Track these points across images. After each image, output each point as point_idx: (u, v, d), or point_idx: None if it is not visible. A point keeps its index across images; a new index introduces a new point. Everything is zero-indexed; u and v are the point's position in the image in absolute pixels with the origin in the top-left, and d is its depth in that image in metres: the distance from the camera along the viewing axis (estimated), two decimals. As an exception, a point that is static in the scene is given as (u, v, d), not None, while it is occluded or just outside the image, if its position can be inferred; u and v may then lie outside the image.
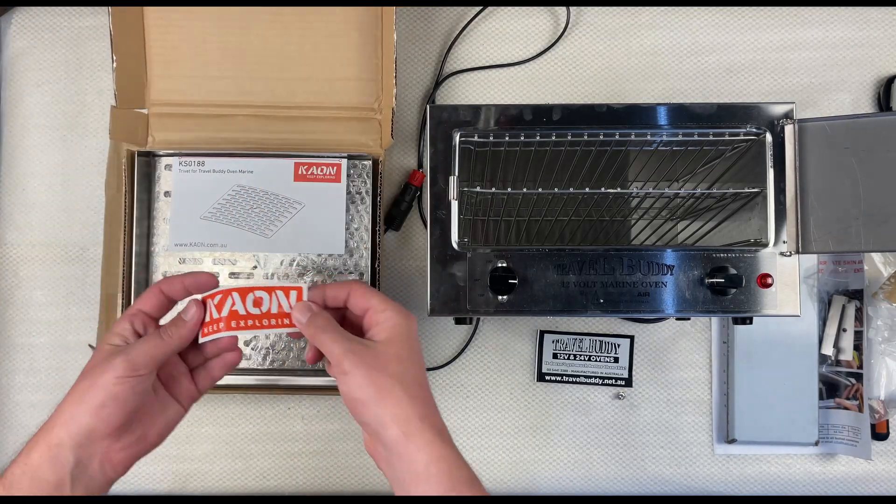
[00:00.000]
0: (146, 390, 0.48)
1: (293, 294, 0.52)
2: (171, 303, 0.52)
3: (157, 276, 0.73)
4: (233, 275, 0.73)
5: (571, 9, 0.81)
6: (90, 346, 0.75)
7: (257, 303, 0.51)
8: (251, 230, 0.72)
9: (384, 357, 0.48)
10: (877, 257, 0.78)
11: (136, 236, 0.71)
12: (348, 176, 0.73)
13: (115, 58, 0.72)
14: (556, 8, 0.81)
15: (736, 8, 0.81)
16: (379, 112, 0.75)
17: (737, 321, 0.65)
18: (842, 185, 0.58)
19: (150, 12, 0.74)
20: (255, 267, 0.73)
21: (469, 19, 0.81)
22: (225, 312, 0.51)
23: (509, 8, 0.81)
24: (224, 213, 0.72)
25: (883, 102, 0.80)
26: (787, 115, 0.61)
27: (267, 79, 0.75)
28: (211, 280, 0.52)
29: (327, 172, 0.72)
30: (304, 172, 0.72)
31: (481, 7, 0.80)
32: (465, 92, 0.81)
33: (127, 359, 0.47)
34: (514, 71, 0.81)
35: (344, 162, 0.72)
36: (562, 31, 0.81)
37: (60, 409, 0.46)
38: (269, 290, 0.52)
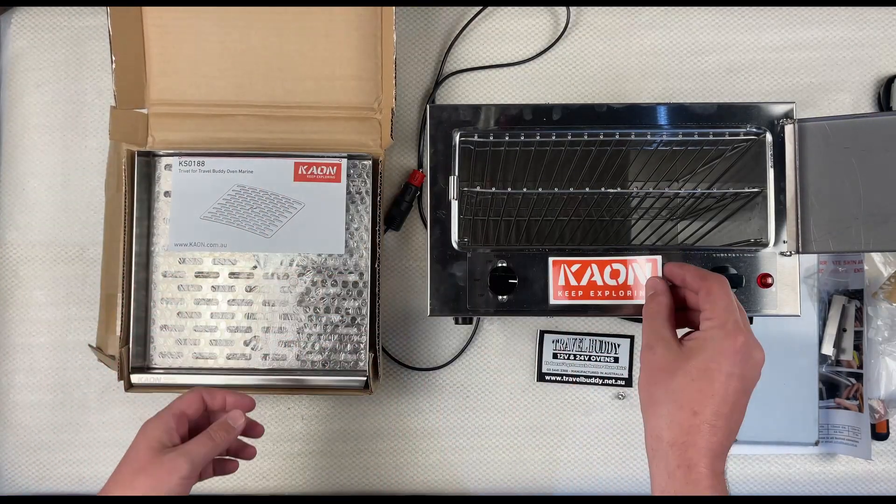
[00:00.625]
0: (195, 479, 0.54)
1: (648, 266, 0.57)
2: (206, 410, 0.58)
3: (156, 276, 0.73)
4: (233, 275, 0.73)
5: (571, 9, 0.81)
6: (90, 346, 0.75)
7: (614, 274, 0.57)
8: (251, 230, 0.72)
9: (674, 366, 0.46)
10: (877, 257, 0.78)
11: (136, 236, 0.71)
12: (348, 176, 0.72)
13: (114, 58, 0.72)
14: (556, 8, 0.81)
15: (736, 8, 0.81)
16: (379, 112, 0.75)
17: (737, 321, 0.65)
18: (842, 185, 0.58)
19: (150, 12, 0.74)
20: (255, 267, 0.73)
21: (469, 19, 0.81)
22: (584, 282, 0.58)
23: (509, 8, 0.81)
24: (224, 213, 0.72)
25: (883, 102, 0.80)
26: (787, 115, 0.61)
27: (266, 78, 0.75)
28: (250, 404, 0.59)
29: (327, 172, 0.72)
30: (305, 172, 0.71)
31: (481, 7, 0.80)
32: (465, 92, 0.81)
33: (190, 461, 0.52)
34: (514, 71, 0.81)
35: (344, 162, 0.72)
36: (562, 30, 0.81)
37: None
38: (626, 262, 0.58)
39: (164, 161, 0.73)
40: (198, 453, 0.53)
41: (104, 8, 0.72)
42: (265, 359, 0.73)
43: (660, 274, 0.53)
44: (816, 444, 0.76)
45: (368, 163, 0.74)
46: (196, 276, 0.72)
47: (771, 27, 0.81)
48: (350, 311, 0.73)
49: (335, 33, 0.74)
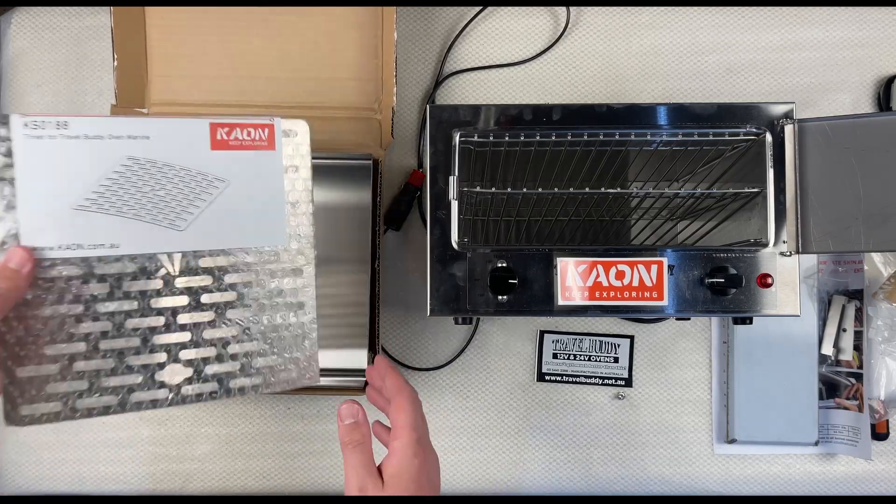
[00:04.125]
0: None
1: (654, 268, 0.58)
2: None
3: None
4: (134, 291, 0.51)
5: (571, 9, 0.81)
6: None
7: (620, 275, 0.58)
8: (154, 221, 0.51)
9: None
10: (877, 257, 0.78)
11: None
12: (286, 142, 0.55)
13: (115, 57, 0.72)
14: (556, 8, 0.81)
15: (736, 8, 0.81)
16: (379, 112, 0.75)
17: (737, 321, 0.65)
18: (842, 185, 0.58)
19: (152, 12, 0.74)
20: (166, 274, 0.51)
21: (469, 19, 0.81)
22: (590, 283, 0.58)
23: (509, 8, 0.81)
24: (110, 200, 0.49)
25: (883, 102, 0.80)
26: (787, 115, 0.61)
27: (267, 79, 0.75)
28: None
29: (255, 137, 0.53)
30: (225, 137, 0.52)
31: (481, 7, 0.80)
32: (465, 92, 0.81)
33: None
34: (514, 71, 0.81)
35: (277, 123, 0.54)
36: (562, 31, 0.81)
37: None
38: (632, 263, 0.58)
39: None
40: None
41: (104, 8, 0.72)
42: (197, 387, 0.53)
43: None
44: (816, 444, 0.76)
45: (369, 162, 0.73)
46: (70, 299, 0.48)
47: (771, 27, 0.82)
48: (289, 297, 0.55)
49: (336, 33, 0.74)
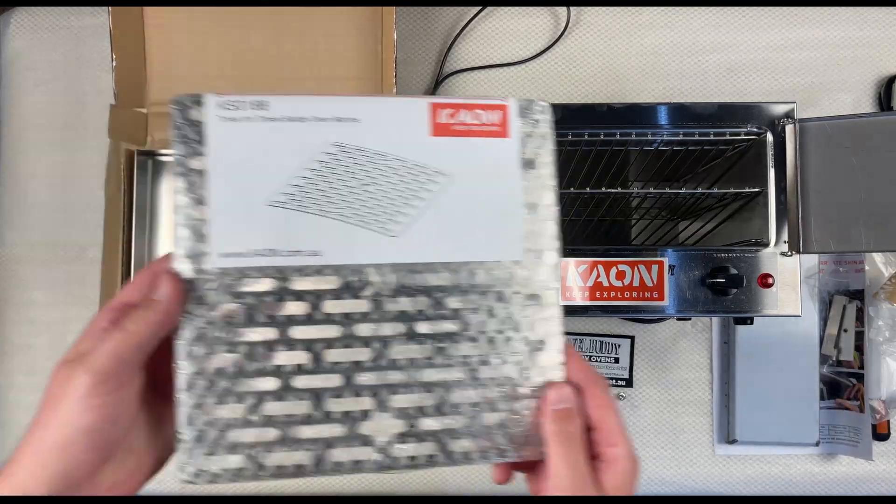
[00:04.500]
0: (126, 404, 0.34)
1: (654, 268, 0.54)
2: None
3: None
4: (328, 307, 0.40)
5: (571, 8, 0.81)
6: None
7: (620, 275, 0.53)
8: (363, 223, 0.40)
9: None
10: (878, 257, 0.78)
11: (136, 236, 0.71)
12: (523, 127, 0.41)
13: (114, 57, 0.72)
14: (556, 7, 0.81)
15: (736, 7, 0.81)
16: (379, 112, 0.75)
17: (738, 321, 0.65)
18: (843, 185, 0.58)
19: (150, 12, 0.73)
20: (375, 293, 0.39)
21: (469, 19, 0.80)
22: (590, 283, 0.53)
23: (509, 7, 0.81)
24: (312, 195, 0.40)
25: (884, 102, 0.80)
26: (788, 115, 0.61)
27: (267, 78, 0.75)
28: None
29: (485, 121, 0.42)
30: (448, 120, 0.41)
31: (481, 7, 0.80)
32: (465, 91, 0.81)
33: (90, 370, 0.33)
34: (514, 70, 0.81)
35: (512, 104, 0.42)
36: (562, 30, 0.81)
37: (22, 450, 0.35)
38: (632, 263, 0.54)
39: (193, 112, 0.38)
40: (99, 355, 0.33)
41: (103, 7, 0.72)
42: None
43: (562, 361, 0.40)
44: (817, 444, 0.76)
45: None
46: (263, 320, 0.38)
47: (771, 27, 0.81)
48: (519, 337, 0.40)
49: (336, 33, 0.74)
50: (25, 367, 0.78)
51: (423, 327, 0.39)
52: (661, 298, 0.59)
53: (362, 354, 0.38)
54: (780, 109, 0.61)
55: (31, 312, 0.78)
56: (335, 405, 0.38)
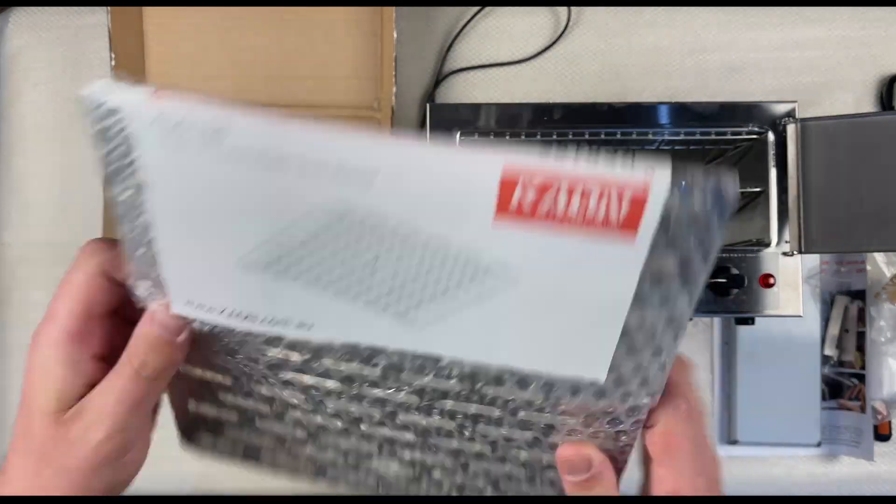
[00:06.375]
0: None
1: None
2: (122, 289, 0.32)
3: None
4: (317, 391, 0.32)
5: (572, 7, 0.80)
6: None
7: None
8: (373, 307, 0.27)
9: None
10: (880, 257, 0.77)
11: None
12: (664, 218, 0.22)
13: (113, 56, 0.71)
14: (557, 7, 0.81)
15: (738, 7, 0.81)
16: (379, 111, 0.75)
17: (739, 322, 0.65)
18: (845, 185, 0.58)
19: (149, 12, 0.73)
20: (387, 383, 0.30)
21: (469, 18, 0.80)
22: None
23: (509, 7, 0.81)
24: (299, 265, 0.26)
25: (885, 102, 0.80)
26: (790, 115, 0.61)
27: (266, 78, 0.74)
28: None
29: (600, 211, 0.22)
30: (531, 198, 0.22)
31: (480, 7, 0.80)
32: (465, 91, 0.81)
33: (105, 420, 0.30)
34: (514, 69, 0.81)
35: (658, 189, 0.22)
36: (562, 29, 0.81)
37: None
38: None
39: (100, 103, 0.24)
40: (111, 401, 0.30)
41: (103, 7, 0.71)
42: None
43: None
44: (819, 445, 0.75)
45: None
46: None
47: (773, 26, 0.81)
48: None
49: (335, 33, 0.74)
50: (24, 367, 0.77)
51: (448, 404, 0.30)
52: (662, 299, 0.59)
53: (371, 413, 0.32)
54: (781, 109, 0.61)
55: (30, 313, 0.78)
56: (342, 441, 0.34)
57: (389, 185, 0.23)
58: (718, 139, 0.61)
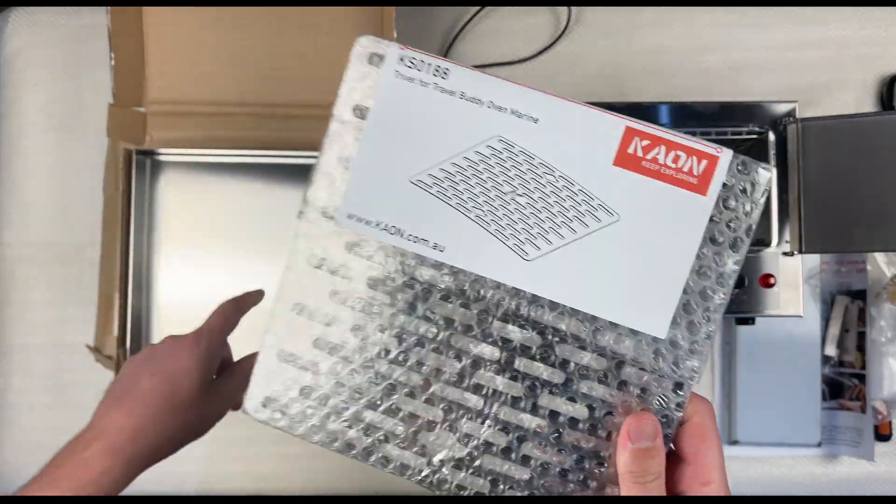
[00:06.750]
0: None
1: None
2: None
3: (161, 277, 0.73)
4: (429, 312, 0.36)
5: (572, 7, 0.80)
6: (87, 346, 0.74)
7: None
8: (498, 234, 0.35)
9: None
10: (880, 257, 0.77)
11: (135, 236, 0.71)
12: (725, 187, 0.34)
13: (113, 56, 0.71)
14: (557, 7, 0.81)
15: (738, 7, 0.81)
16: (379, 111, 0.74)
17: (739, 322, 0.65)
18: (845, 185, 0.58)
19: (149, 12, 0.73)
20: (484, 310, 0.35)
21: (469, 18, 0.80)
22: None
23: (509, 7, 0.81)
24: (456, 186, 0.36)
25: (886, 102, 0.80)
26: (790, 115, 0.61)
27: (266, 78, 0.74)
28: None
29: (684, 167, 0.35)
30: (640, 153, 0.35)
31: (480, 7, 0.80)
32: (465, 91, 0.81)
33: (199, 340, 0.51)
34: (514, 69, 0.81)
35: (725, 156, 0.34)
36: (562, 29, 0.81)
37: None
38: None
39: (372, 48, 0.36)
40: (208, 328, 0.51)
41: (102, 7, 0.71)
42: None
43: None
44: (819, 445, 0.75)
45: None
46: (369, 286, 0.36)
47: (774, 26, 0.81)
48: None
49: (335, 33, 0.74)
50: (23, 367, 0.77)
51: (521, 363, 0.35)
52: (663, 298, 0.59)
53: (448, 366, 0.35)
54: (782, 109, 0.61)
55: (29, 313, 0.78)
56: (405, 403, 0.36)
57: (546, 131, 0.34)
58: (718, 139, 0.61)
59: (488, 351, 0.35)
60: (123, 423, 0.46)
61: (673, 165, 0.34)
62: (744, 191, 0.34)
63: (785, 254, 0.60)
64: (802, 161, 0.60)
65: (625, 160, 0.34)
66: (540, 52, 0.81)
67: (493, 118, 0.35)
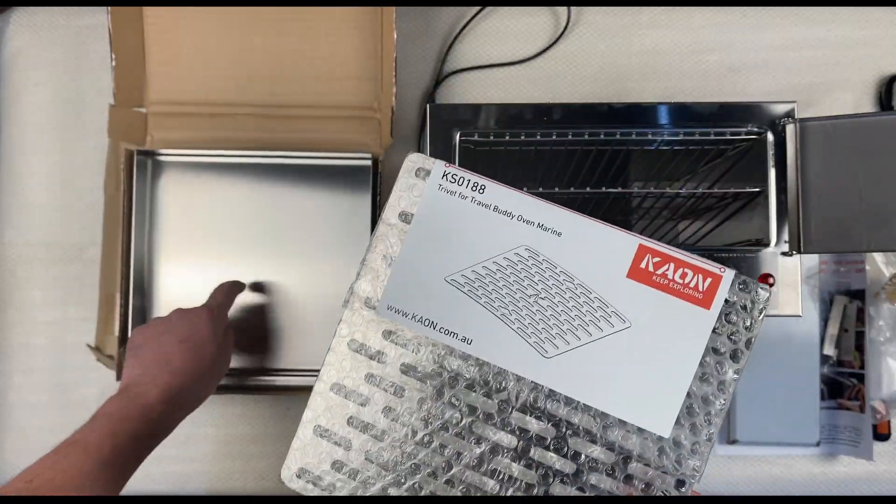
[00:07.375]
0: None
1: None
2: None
3: (162, 276, 0.73)
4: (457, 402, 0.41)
5: (572, 8, 0.80)
6: (88, 345, 0.74)
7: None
8: (520, 331, 0.40)
9: None
10: (878, 257, 0.77)
11: (135, 236, 0.71)
12: (727, 304, 0.40)
13: (114, 56, 0.71)
14: (557, 7, 0.81)
15: (737, 7, 0.81)
16: (379, 111, 0.75)
17: (738, 321, 0.65)
18: (843, 185, 0.58)
19: (150, 12, 0.73)
20: (504, 400, 0.40)
21: (469, 18, 0.80)
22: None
23: (509, 7, 0.81)
24: (485, 287, 0.41)
25: (884, 102, 0.80)
26: (789, 115, 0.61)
27: (266, 78, 0.75)
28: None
29: (689, 283, 0.40)
30: (650, 269, 0.40)
31: (480, 7, 0.80)
32: (465, 91, 0.81)
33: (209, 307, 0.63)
34: (514, 70, 0.81)
35: (727, 276, 0.40)
36: (562, 30, 0.81)
37: None
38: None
39: (418, 164, 0.42)
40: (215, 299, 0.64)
41: (103, 7, 0.71)
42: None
43: None
44: (818, 444, 0.75)
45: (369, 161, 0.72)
46: (402, 371, 0.41)
47: (772, 26, 0.81)
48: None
49: (335, 33, 0.74)
50: (24, 367, 0.77)
51: (536, 453, 0.39)
52: (662, 298, 0.59)
53: (469, 450, 0.39)
54: (780, 109, 0.61)
55: (30, 312, 0.78)
56: (427, 483, 0.39)
57: (567, 243, 0.40)
58: (718, 139, 0.61)
59: (507, 439, 0.39)
60: (167, 380, 0.53)
61: (680, 281, 0.39)
62: (744, 307, 0.39)
63: (784, 254, 0.60)
64: (801, 161, 0.60)
65: (637, 274, 0.40)
66: (540, 53, 0.81)
67: (521, 230, 0.40)
